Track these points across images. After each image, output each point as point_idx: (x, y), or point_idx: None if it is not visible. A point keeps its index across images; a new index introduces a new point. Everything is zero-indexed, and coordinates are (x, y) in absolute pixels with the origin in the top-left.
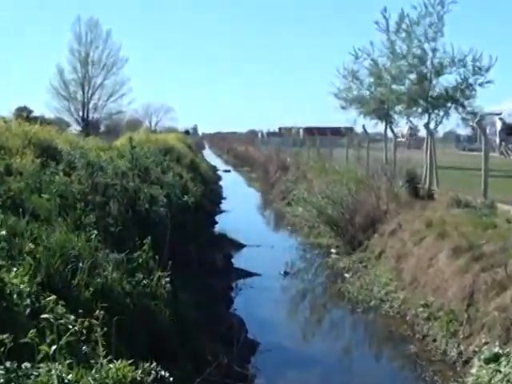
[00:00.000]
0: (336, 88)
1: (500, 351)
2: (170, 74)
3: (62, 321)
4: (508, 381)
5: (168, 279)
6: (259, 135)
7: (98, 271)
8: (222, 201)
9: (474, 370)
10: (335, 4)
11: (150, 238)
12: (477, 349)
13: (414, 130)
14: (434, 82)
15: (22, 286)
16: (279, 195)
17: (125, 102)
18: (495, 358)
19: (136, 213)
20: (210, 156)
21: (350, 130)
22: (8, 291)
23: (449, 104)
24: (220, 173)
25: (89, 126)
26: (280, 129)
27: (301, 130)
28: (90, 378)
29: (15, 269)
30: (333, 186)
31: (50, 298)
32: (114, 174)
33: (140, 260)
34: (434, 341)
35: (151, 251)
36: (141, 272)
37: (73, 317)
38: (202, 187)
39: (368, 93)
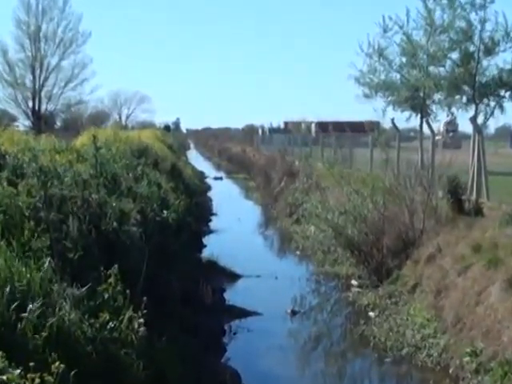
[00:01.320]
0: (358, 70)
1: None
2: (145, 54)
3: (4, 377)
4: None
5: (142, 320)
6: (259, 132)
7: (51, 310)
8: (212, 217)
9: None
10: None
11: (118, 266)
12: None
13: (451, 126)
14: (483, 62)
15: None
16: (285, 210)
17: (87, 90)
18: None
19: (101, 234)
20: (196, 159)
21: (376, 124)
22: None
23: (502, 92)
24: (209, 181)
25: (41, 121)
26: (286, 124)
27: (312, 126)
28: None
29: None
30: (354, 197)
31: None
32: (73, 184)
33: (106, 296)
34: None
35: (120, 284)
36: (107, 311)
37: (18, 371)
38: (186, 200)
39: (399, 77)
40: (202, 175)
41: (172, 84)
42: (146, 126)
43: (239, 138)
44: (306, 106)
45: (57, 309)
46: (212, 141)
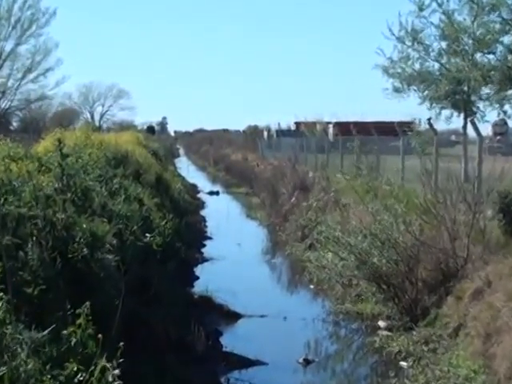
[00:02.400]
0: (386, 58)
1: None
2: (125, 41)
3: None
4: None
5: (118, 372)
6: (264, 135)
7: (4, 358)
8: (207, 242)
9: None
10: None
11: (89, 304)
12: None
13: (499, 127)
14: None
15: None
16: (296, 233)
17: (51, 82)
18: None
19: (68, 263)
20: (187, 168)
21: (409, 126)
22: None
23: None
24: (203, 196)
25: None
26: (297, 124)
27: (330, 127)
28: None
29: None
30: (382, 217)
31: None
32: (32, 200)
33: (73, 341)
34: None
35: (92, 326)
36: (74, 360)
37: None
38: (174, 220)
39: (437, 66)
40: (194, 189)
41: (156, 77)
42: (124, 127)
43: (240, 142)
44: (321, 104)
45: (10, 356)
46: (206, 146)
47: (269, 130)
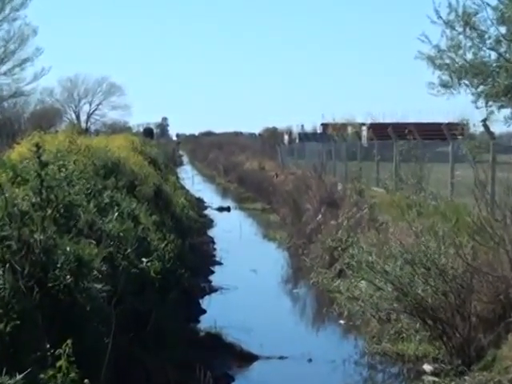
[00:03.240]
0: (432, 46)
1: None
2: (119, 30)
3: None
4: None
5: None
6: (285, 138)
7: None
8: (216, 268)
9: None
10: None
11: (72, 343)
12: None
13: None
14: None
15: None
16: (323, 257)
17: (29, 76)
18: None
19: (48, 294)
20: (192, 179)
21: (460, 128)
22: None
23: None
24: (211, 213)
25: None
26: (324, 127)
27: (364, 129)
28: None
29: None
30: (427, 239)
31: None
32: (5, 217)
33: None
34: None
35: (75, 370)
36: None
37: None
38: (176, 242)
39: (494, 56)
40: (200, 204)
41: (155, 71)
42: (117, 129)
43: (255, 147)
44: (352, 102)
45: None
46: (215, 152)
47: (290, 133)
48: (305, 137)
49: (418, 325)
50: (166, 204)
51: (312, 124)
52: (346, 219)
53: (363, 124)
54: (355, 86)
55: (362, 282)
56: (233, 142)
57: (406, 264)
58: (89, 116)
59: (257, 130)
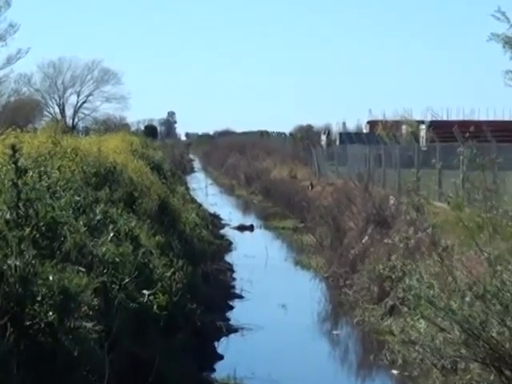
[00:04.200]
0: (510, 25)
1: None
2: (111, 4)
3: None
4: None
5: None
6: (322, 140)
7: None
8: (235, 303)
9: None
10: None
11: None
12: None
13: None
14: None
15: None
16: (370, 289)
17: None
18: None
19: (26, 335)
20: (205, 190)
21: None
22: None
23: None
24: (230, 232)
25: None
26: (372, 125)
27: (423, 129)
28: None
29: None
30: (504, 267)
31: None
32: None
33: None
34: None
35: None
36: None
37: None
38: (185, 269)
39: None
40: (216, 222)
41: (159, 56)
42: (112, 127)
43: (285, 150)
44: (408, 95)
45: None
46: (235, 156)
47: (328, 133)
48: (347, 137)
49: (492, 376)
50: (173, 222)
51: (356, 122)
52: (400, 242)
53: (421, 122)
54: (411, 75)
55: (421, 321)
56: (257, 143)
57: (476, 300)
58: (76, 110)
59: (287, 129)
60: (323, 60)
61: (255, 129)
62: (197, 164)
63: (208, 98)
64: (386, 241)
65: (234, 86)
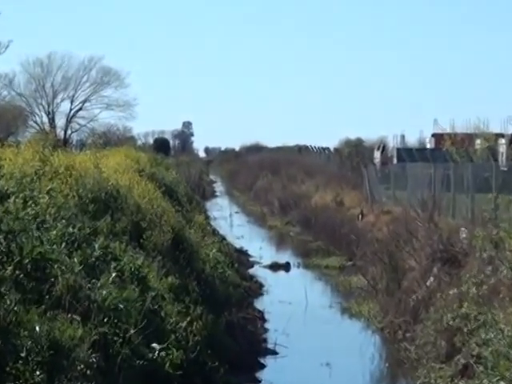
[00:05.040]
0: None
1: None
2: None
3: None
4: None
5: None
6: (375, 156)
7: None
8: (268, 360)
9: None
10: None
11: None
12: None
13: None
14: None
15: None
16: (436, 344)
17: None
18: None
19: None
20: (229, 219)
21: None
22: None
23: None
24: (261, 272)
25: None
26: (437, 139)
27: (502, 143)
28: None
29: None
30: None
31: None
32: None
33: None
34: None
35: None
36: None
37: None
38: (205, 318)
39: None
40: (242, 259)
41: (173, 57)
42: (114, 141)
43: (329, 170)
44: (482, 102)
45: None
46: (266, 177)
47: (383, 148)
48: (407, 154)
49: None
50: (190, 259)
51: (418, 134)
52: (475, 285)
53: (501, 135)
54: (487, 78)
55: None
56: (294, 161)
57: None
58: (69, 120)
59: (331, 144)
60: (375, 60)
61: (291, 143)
62: (219, 187)
63: (232, 105)
64: (456, 284)
65: (265, 91)
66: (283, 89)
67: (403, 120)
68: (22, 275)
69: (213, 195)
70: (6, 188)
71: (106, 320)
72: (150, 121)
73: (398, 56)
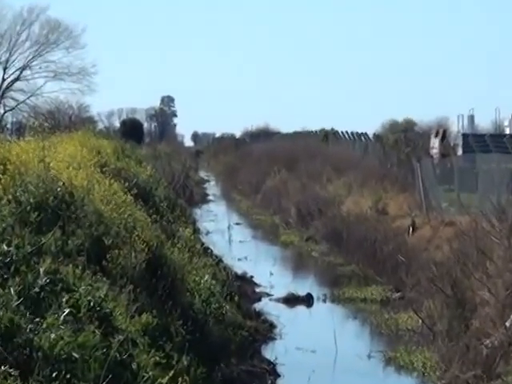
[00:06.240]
0: None
1: None
2: None
3: None
4: None
5: None
6: (432, 146)
7: None
8: None
9: None
10: None
11: None
12: None
13: None
14: None
15: None
16: None
17: None
18: None
19: None
20: (228, 233)
21: None
22: None
23: None
24: (271, 308)
25: None
26: None
27: None
28: None
29: None
30: None
31: None
32: None
33: None
34: None
35: None
36: None
37: None
38: (195, 372)
39: None
40: (245, 289)
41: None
42: (65, 124)
43: (366, 165)
44: None
45: None
46: (278, 174)
47: (443, 135)
48: (476, 142)
49: None
50: (173, 289)
51: (493, 114)
52: None
53: None
54: None
55: None
56: (317, 152)
57: None
58: (2, 93)
59: (370, 129)
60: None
61: (314, 127)
62: (213, 188)
63: (231, 75)
64: None
65: (278, 56)
66: (303, 52)
67: (472, 95)
68: None
69: (204, 200)
70: None
71: (54, 375)
72: (115, 96)
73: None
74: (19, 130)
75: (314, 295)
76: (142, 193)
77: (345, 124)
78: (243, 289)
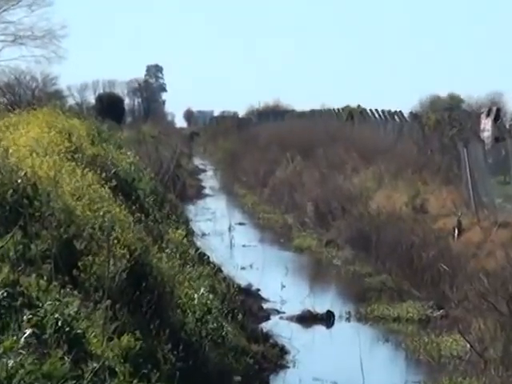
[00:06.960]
0: None
1: None
2: None
3: None
4: None
5: None
6: (483, 129)
7: None
8: None
9: None
10: None
11: None
12: None
13: None
14: None
15: None
16: None
17: None
18: None
19: None
20: (229, 235)
21: None
22: None
23: None
24: (283, 328)
25: None
26: None
27: None
28: None
29: None
30: None
31: None
32: None
33: None
34: None
35: None
36: None
37: None
38: None
39: None
40: (251, 304)
41: None
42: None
43: (401, 152)
44: None
45: None
46: (291, 163)
47: (496, 114)
48: None
49: None
50: (160, 305)
51: None
52: None
53: None
54: None
55: None
56: (340, 135)
57: None
58: None
59: (406, 106)
60: None
61: (336, 104)
62: (210, 179)
63: (232, 41)
64: None
65: (287, 20)
66: (320, 11)
67: None
68: None
69: (200, 194)
70: None
71: None
72: (89, 65)
73: None
74: None
75: (336, 313)
76: (123, 185)
77: (374, 101)
78: (248, 305)
